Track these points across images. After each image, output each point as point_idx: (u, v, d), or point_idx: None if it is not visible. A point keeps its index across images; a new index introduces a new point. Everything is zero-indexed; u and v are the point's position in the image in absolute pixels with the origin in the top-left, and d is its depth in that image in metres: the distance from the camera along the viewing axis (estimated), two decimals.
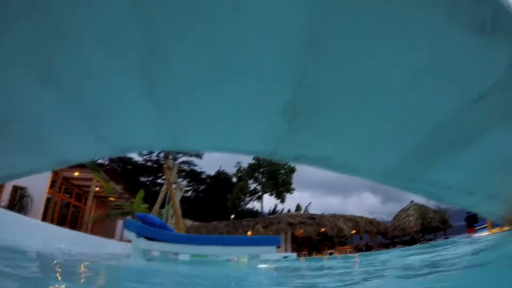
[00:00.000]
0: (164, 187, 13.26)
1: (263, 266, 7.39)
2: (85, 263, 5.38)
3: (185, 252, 7.92)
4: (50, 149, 2.54)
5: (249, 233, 30.85)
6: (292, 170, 41.52)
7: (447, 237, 31.41)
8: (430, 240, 34.14)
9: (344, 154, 2.45)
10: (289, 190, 41.30)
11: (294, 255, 25.42)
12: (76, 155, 2.78)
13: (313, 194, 78.94)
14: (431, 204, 36.60)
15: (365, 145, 2.26)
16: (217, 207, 44.49)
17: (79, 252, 7.01)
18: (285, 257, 23.15)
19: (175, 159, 46.16)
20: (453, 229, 34.99)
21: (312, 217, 32.51)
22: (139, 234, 7.15)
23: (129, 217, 13.46)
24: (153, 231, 7.23)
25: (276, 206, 43.89)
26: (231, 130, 2.24)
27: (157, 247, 7.29)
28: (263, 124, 2.06)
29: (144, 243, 7.13)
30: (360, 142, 2.21)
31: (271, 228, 29.95)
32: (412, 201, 37.21)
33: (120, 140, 2.52)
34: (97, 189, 19.41)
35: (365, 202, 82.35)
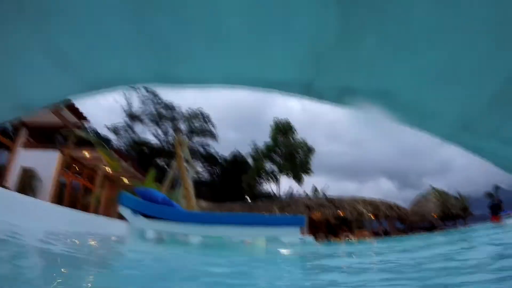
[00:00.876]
0: (174, 164, 12.21)
1: (285, 251, 6.45)
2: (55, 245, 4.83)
3: (193, 233, 6.52)
4: (6, 91, 1.86)
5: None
6: (310, 150, 39.81)
7: (468, 225, 31.52)
8: (450, 227, 33.94)
9: (413, 90, 1.62)
10: (307, 171, 39.34)
11: (311, 238, 24.90)
12: (40, 96, 2.04)
13: (329, 178, 78.13)
14: (451, 190, 36.22)
15: (440, 81, 1.52)
16: (233, 190, 43.18)
17: (65, 233, 6.29)
18: (301, 239, 23.06)
19: (191, 139, 44.91)
20: (474, 217, 34.91)
21: (330, 200, 31.71)
22: (135, 211, 6.17)
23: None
24: (153, 208, 6.17)
25: (291, 189, 40.94)
26: (249, 47, 1.49)
27: (157, 227, 6.15)
28: (299, 31, 1.33)
29: (141, 222, 6.09)
30: (434, 75, 1.48)
31: (288, 210, 29.26)
32: (432, 186, 36.44)
33: (94, 72, 1.76)
34: (108, 169, 18.94)
35: (381, 188, 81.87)
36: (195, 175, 16.13)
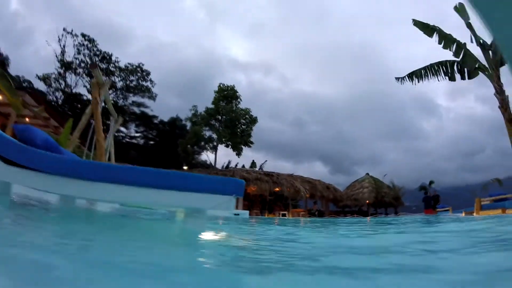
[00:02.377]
0: (88, 110, 8.89)
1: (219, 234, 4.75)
2: None
3: (79, 195, 4.29)
4: None
5: None
6: (254, 121, 37.58)
7: (399, 214, 32.35)
8: (381, 214, 34.91)
9: None
10: (248, 143, 37.06)
11: (247, 212, 23.96)
12: None
13: (266, 155, 78.38)
14: (386, 179, 37.34)
15: None
16: (170, 157, 40.38)
17: None
18: (236, 214, 21.92)
19: (125, 97, 41.34)
20: (405, 208, 35.95)
21: (269, 174, 30.71)
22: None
23: None
24: (18, 148, 3.91)
25: (230, 161, 39.05)
26: None
27: (26, 181, 3.97)
28: None
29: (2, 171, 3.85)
30: None
31: None
32: (367, 174, 37.11)
33: None
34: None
35: (315, 170, 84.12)
36: (119, 127, 13.57)
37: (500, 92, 12.45)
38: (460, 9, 13.87)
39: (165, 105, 44.66)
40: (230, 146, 36.47)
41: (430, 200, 21.17)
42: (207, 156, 39.19)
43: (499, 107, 12.37)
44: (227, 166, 37.26)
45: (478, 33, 13.31)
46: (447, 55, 14.01)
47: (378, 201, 34.57)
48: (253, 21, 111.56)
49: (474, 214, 14.41)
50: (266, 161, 42.17)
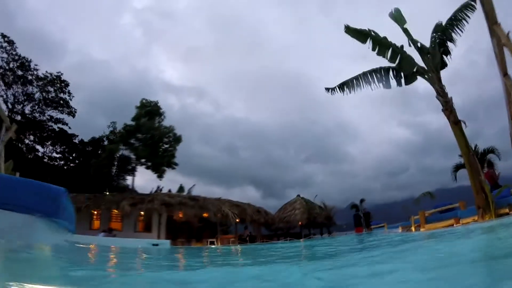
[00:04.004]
0: None
1: None
2: None
3: None
4: None
5: (114, 211, 25.82)
6: (178, 140, 33.40)
7: (333, 234, 31.80)
8: (315, 235, 34.03)
9: None
10: (171, 164, 32.81)
11: (167, 242, 21.77)
12: None
13: (198, 181, 75.89)
14: (316, 200, 36.61)
15: None
16: (88, 179, 34.15)
17: None
18: (154, 244, 19.89)
19: (43, 112, 35.33)
20: (337, 227, 36.23)
21: (194, 198, 28.15)
22: None
23: None
24: None
25: (159, 187, 33.73)
26: None
27: None
28: None
29: None
30: None
31: (141, 207, 24.98)
32: (298, 195, 36.14)
33: None
34: None
35: (247, 195, 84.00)
36: (12, 136, 11.38)
37: (442, 94, 11.69)
38: (396, 15, 13.20)
39: (92, 126, 39.99)
40: (150, 168, 32.32)
41: (360, 218, 20.99)
42: (133, 180, 34.91)
43: (442, 110, 11.58)
44: (156, 191, 33.26)
45: (415, 37, 12.72)
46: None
47: (311, 221, 33.58)
48: (189, 45, 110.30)
49: (413, 229, 13.39)
50: (194, 185, 38.06)
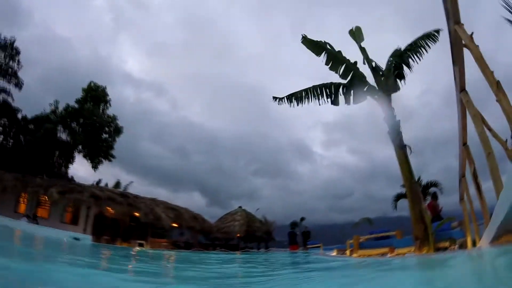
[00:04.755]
0: None
1: None
2: None
3: None
4: None
5: (43, 197, 23.35)
6: (118, 131, 30.67)
7: (270, 249, 31.07)
8: (252, 248, 33.03)
9: None
10: (108, 155, 29.99)
11: (89, 238, 20.28)
12: None
13: (144, 180, 73.15)
14: (258, 213, 36.15)
15: None
16: (35, 162, 29.43)
17: None
18: (75, 238, 18.50)
19: None
20: (276, 243, 34.84)
21: (124, 195, 26.43)
22: None
23: None
24: None
25: (100, 180, 31.91)
26: None
27: None
28: None
29: None
30: None
31: (70, 196, 22.77)
32: (240, 207, 35.29)
33: None
34: None
35: (193, 200, 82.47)
36: None
37: (390, 116, 11.22)
38: (355, 32, 12.98)
39: (39, 104, 35.84)
40: (87, 157, 29.41)
41: (295, 236, 20.74)
42: (65, 167, 31.06)
43: (388, 132, 10.97)
44: (98, 183, 30.67)
45: (371, 56, 12.43)
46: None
47: (250, 234, 32.71)
48: (157, 39, 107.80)
49: (348, 253, 12.67)
50: (131, 182, 35.87)
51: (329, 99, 12.61)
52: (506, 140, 4.90)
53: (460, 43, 4.86)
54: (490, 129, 4.99)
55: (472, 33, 4.45)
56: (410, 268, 6.09)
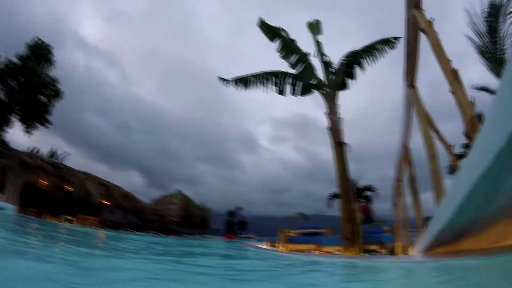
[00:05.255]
0: None
1: None
2: None
3: None
4: None
5: None
6: (57, 95, 27.49)
7: (205, 236, 30.72)
8: (188, 234, 32.37)
9: None
10: (44, 121, 26.50)
11: (11, 208, 18.83)
12: None
13: (81, 153, 69.77)
14: (197, 199, 35.34)
15: None
16: None
17: None
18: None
19: None
20: (213, 230, 34.88)
21: (56, 165, 24.50)
22: None
23: None
24: None
25: (38, 149, 28.30)
26: None
27: None
28: None
29: None
30: None
31: None
32: (179, 190, 34.39)
33: None
34: None
35: (131, 180, 79.83)
36: None
37: (333, 112, 11.18)
38: (314, 25, 12.70)
39: None
40: (20, 118, 26.00)
41: (233, 225, 20.61)
42: None
43: (328, 127, 10.94)
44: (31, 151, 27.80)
45: (324, 51, 12.20)
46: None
47: (186, 220, 31.94)
48: (118, 6, 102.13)
49: (279, 247, 12.54)
50: (68, 153, 32.34)
51: (276, 88, 12.39)
52: (452, 146, 4.77)
53: (416, 29, 4.58)
54: (437, 131, 4.84)
55: (433, 19, 4.20)
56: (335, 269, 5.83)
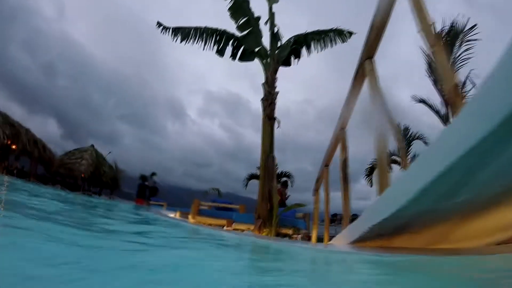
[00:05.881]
0: None
1: None
2: None
3: None
4: None
5: None
6: None
7: (114, 198, 29.32)
8: (95, 193, 30.69)
9: None
10: None
11: None
12: None
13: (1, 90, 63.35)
14: (109, 158, 33.95)
15: None
16: None
17: None
18: None
19: None
20: (123, 193, 33.74)
21: None
22: None
23: None
24: None
25: None
26: None
27: None
28: None
29: None
30: None
31: None
32: (93, 145, 32.61)
33: None
34: None
35: (46, 128, 74.51)
36: None
37: (271, 84, 10.83)
38: None
39: None
40: None
41: (145, 190, 19.62)
42: None
43: (262, 99, 10.62)
44: None
45: (277, 21, 11.74)
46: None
47: (95, 177, 30.28)
48: None
49: (190, 218, 11.91)
50: None
51: (215, 47, 11.76)
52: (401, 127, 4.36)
53: None
54: (388, 111, 4.38)
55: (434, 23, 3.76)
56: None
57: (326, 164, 7.64)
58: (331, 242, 5.70)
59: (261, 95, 10.66)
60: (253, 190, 26.03)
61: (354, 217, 5.15)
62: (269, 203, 8.97)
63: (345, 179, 5.69)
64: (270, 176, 9.42)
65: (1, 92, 61.03)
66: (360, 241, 3.98)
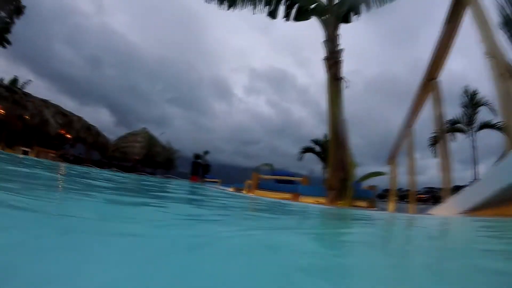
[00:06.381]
0: None
1: None
2: None
3: None
4: None
5: None
6: (19, 11, 23.02)
7: (169, 177, 29.49)
8: (151, 174, 31.05)
9: None
10: (3, 41, 22.36)
11: None
12: None
13: (49, 86, 65.64)
14: (162, 138, 33.91)
15: None
16: None
17: None
18: None
19: None
20: (178, 173, 33.32)
21: (11, 89, 22.04)
22: None
23: None
24: None
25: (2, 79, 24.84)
26: None
27: None
28: None
29: None
30: None
31: None
32: (145, 128, 32.63)
33: None
34: None
35: (99, 117, 76.38)
36: None
37: (332, 40, 9.67)
38: None
39: None
40: None
41: (199, 167, 19.49)
42: None
43: (325, 58, 9.60)
44: None
45: None
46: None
47: (149, 159, 30.50)
48: None
49: (245, 192, 11.39)
50: (30, 80, 29.22)
51: (266, 9, 10.77)
52: None
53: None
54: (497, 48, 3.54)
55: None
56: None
57: (409, 125, 6.61)
58: (430, 212, 4.84)
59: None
60: (301, 165, 25.38)
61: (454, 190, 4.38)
62: (341, 171, 8.17)
63: (443, 140, 4.76)
64: (342, 141, 8.48)
65: (52, 87, 63.02)
66: (475, 209, 3.32)
